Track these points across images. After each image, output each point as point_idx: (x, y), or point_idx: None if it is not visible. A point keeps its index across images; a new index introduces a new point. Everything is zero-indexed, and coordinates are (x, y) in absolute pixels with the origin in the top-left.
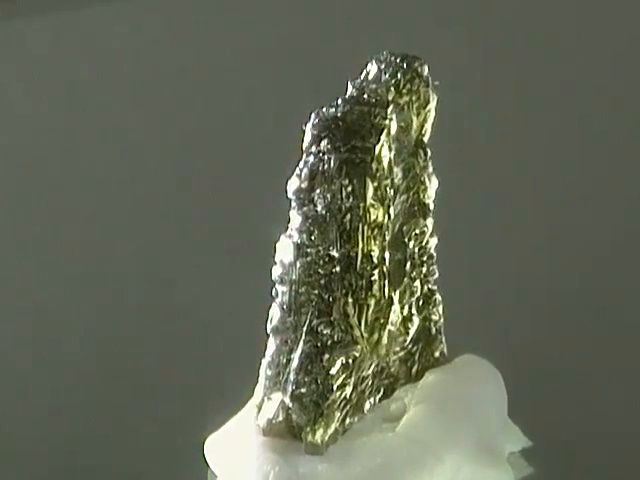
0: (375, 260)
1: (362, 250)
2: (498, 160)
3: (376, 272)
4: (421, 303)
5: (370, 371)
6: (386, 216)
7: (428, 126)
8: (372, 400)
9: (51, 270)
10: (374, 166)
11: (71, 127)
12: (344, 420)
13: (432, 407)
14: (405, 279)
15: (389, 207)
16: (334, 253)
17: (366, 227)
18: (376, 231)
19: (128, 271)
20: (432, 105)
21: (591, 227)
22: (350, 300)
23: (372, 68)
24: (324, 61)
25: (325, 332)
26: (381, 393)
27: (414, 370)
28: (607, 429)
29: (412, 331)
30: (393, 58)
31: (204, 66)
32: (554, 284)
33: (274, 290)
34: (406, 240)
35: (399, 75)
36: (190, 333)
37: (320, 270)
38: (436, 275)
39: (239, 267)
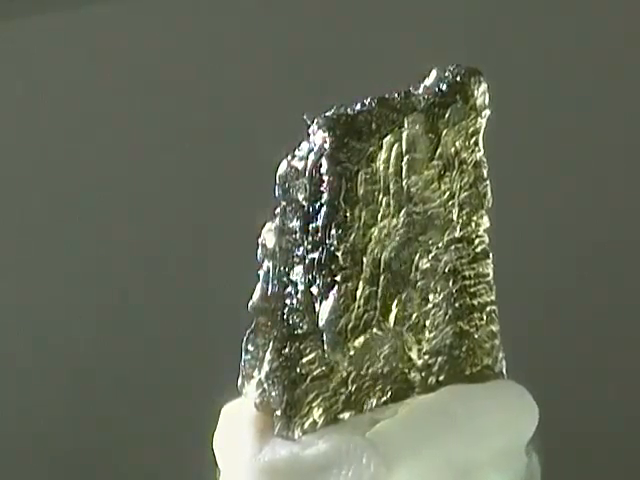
0: (341, 261)
1: (327, 248)
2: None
3: (340, 274)
4: (447, 318)
5: (370, 370)
6: (361, 220)
7: (464, 144)
8: (375, 401)
9: (51, 267)
10: (356, 168)
11: (71, 126)
12: (328, 411)
13: (410, 418)
14: (409, 289)
15: (377, 212)
16: (306, 244)
17: (333, 225)
18: (341, 231)
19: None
20: (467, 124)
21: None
22: (315, 293)
23: (432, 75)
24: (324, 61)
25: (296, 320)
26: (388, 396)
27: (430, 381)
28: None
29: (425, 343)
30: (453, 68)
31: (204, 65)
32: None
33: (259, 270)
34: (418, 250)
35: (444, 86)
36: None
37: (296, 259)
38: (485, 295)
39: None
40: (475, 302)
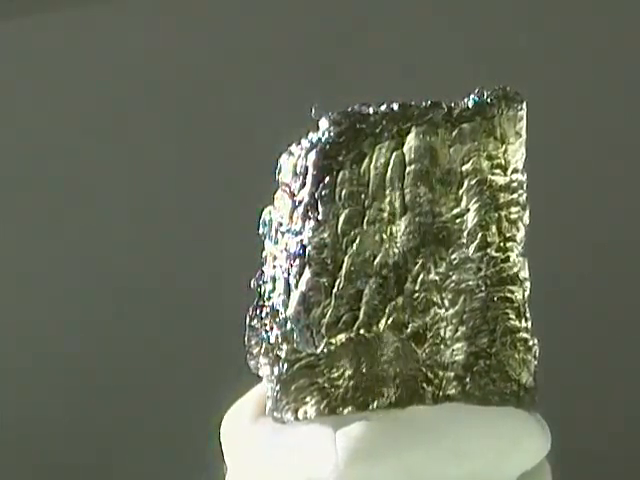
0: (313, 255)
1: (301, 239)
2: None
3: (311, 267)
4: (456, 335)
5: (370, 371)
6: (338, 219)
7: (484, 166)
8: (377, 403)
9: (51, 268)
10: (339, 166)
11: (71, 126)
12: (322, 403)
13: (385, 425)
14: (403, 297)
15: (363, 215)
16: (290, 231)
17: (308, 217)
18: (314, 225)
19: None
20: (483, 146)
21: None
22: (290, 282)
23: (475, 90)
24: (323, 61)
25: (280, 305)
26: (392, 400)
27: (437, 394)
28: None
29: (432, 355)
30: (494, 89)
31: (204, 65)
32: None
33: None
34: (419, 261)
35: (471, 104)
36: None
37: (283, 244)
38: (512, 321)
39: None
40: (496, 326)
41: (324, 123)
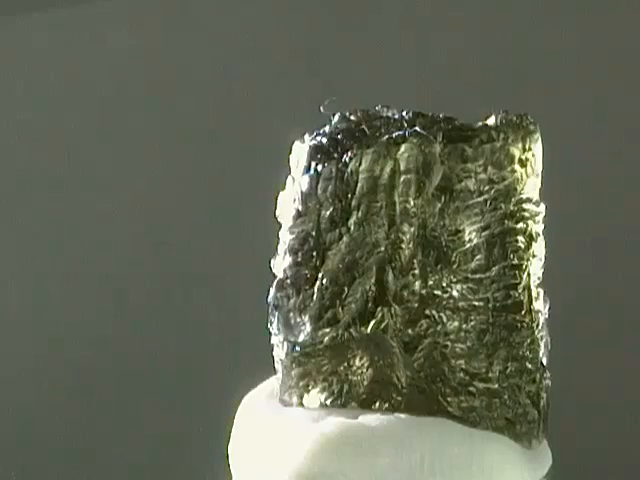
0: (295, 244)
1: (286, 228)
2: None
3: (292, 256)
4: (454, 352)
5: (367, 372)
6: (319, 214)
7: (482, 189)
8: (381, 403)
9: (51, 270)
10: (323, 162)
11: (71, 126)
12: (325, 393)
13: (362, 426)
14: (394, 305)
15: (349, 214)
16: (287, 218)
17: (292, 208)
18: (294, 213)
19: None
20: (478, 168)
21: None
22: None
23: (495, 114)
24: (323, 62)
25: (285, 302)
26: (390, 403)
27: (434, 407)
28: None
29: (424, 365)
30: (508, 116)
31: (204, 64)
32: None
33: None
34: (410, 272)
35: (478, 125)
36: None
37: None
38: (516, 349)
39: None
40: (495, 351)
41: (336, 117)
